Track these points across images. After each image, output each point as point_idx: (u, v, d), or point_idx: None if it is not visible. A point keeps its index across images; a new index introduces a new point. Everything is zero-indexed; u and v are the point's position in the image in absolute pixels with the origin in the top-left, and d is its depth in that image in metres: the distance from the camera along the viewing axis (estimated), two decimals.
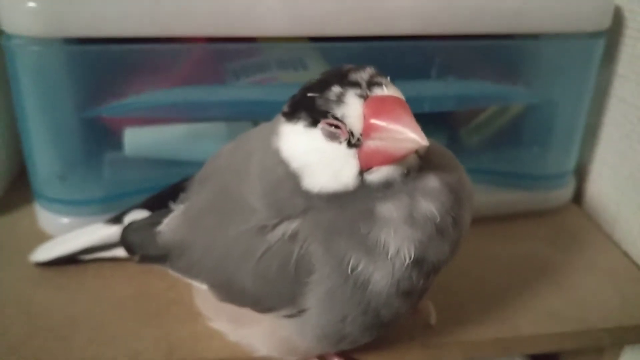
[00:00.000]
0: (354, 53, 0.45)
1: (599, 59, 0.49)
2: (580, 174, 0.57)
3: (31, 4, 0.39)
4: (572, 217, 0.54)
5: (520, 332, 0.40)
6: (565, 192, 0.54)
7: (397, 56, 0.45)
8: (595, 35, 0.48)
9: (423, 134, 0.26)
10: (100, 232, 0.43)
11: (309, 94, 0.29)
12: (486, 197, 0.51)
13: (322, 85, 0.29)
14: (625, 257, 0.49)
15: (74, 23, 0.40)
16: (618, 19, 0.50)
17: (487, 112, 0.53)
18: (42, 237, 0.46)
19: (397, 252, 0.29)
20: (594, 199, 0.55)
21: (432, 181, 0.30)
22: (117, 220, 0.42)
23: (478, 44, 0.46)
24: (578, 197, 0.57)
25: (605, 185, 0.54)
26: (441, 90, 0.47)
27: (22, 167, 0.55)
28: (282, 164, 0.30)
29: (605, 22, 0.47)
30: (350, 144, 0.28)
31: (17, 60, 0.42)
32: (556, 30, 0.47)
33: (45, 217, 0.47)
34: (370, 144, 0.28)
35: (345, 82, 0.28)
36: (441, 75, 0.46)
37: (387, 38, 0.44)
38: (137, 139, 0.47)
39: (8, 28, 0.41)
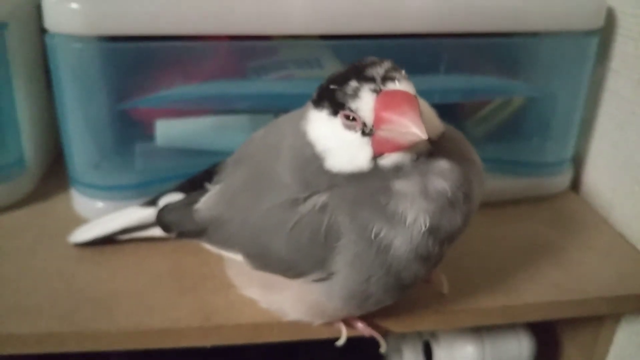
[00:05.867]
0: (367, 51, 0.48)
1: (594, 56, 0.53)
2: (577, 162, 0.60)
3: (74, 6, 0.42)
4: (570, 202, 0.58)
5: (525, 300, 0.43)
6: (563, 179, 0.58)
7: (407, 53, 0.49)
8: (589, 33, 0.52)
9: (424, 128, 0.29)
10: (136, 214, 0.46)
11: (331, 86, 0.33)
12: (490, 184, 0.54)
13: (342, 78, 0.32)
14: (620, 237, 0.52)
15: (112, 22, 0.43)
16: (611, 19, 0.54)
17: (490, 106, 0.56)
18: (78, 221, 0.49)
19: (414, 221, 0.32)
20: (590, 186, 0.59)
21: (443, 163, 0.34)
22: (152, 203, 0.46)
23: (482, 42, 0.50)
24: (575, 184, 0.61)
25: (601, 173, 0.57)
26: (449, 84, 0.51)
27: (57, 155, 0.59)
28: (309, 145, 0.34)
29: (599, 22, 0.51)
30: (364, 133, 0.32)
31: (59, 56, 0.45)
32: (554, 29, 0.50)
33: (81, 201, 0.51)
34: (380, 134, 0.31)
35: (362, 77, 0.32)
36: (449, 70, 0.50)
37: (398, 36, 0.47)
38: (167, 130, 0.51)
39: (52, 27, 0.45)
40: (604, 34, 0.54)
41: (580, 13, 0.50)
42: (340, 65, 0.50)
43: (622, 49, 0.54)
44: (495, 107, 0.56)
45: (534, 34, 0.51)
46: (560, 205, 0.57)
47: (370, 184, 0.33)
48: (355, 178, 0.33)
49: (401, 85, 0.31)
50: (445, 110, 0.38)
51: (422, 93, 0.32)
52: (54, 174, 0.57)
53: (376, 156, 0.32)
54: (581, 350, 0.52)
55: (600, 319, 0.49)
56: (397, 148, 0.32)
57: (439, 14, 0.47)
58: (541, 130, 0.56)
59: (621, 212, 0.54)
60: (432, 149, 0.34)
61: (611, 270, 0.47)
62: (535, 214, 0.55)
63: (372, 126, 0.31)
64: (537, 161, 0.56)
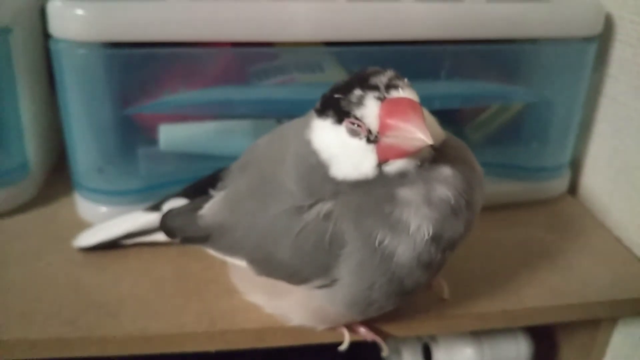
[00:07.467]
0: (368, 57, 0.49)
1: (592, 62, 0.54)
2: (575, 167, 0.61)
3: (78, 11, 0.43)
4: (568, 206, 0.59)
5: (524, 304, 0.44)
6: (561, 183, 0.59)
7: (409, 59, 0.49)
8: (588, 39, 0.52)
9: (429, 134, 0.30)
10: (140, 219, 0.46)
11: (336, 95, 0.33)
12: (490, 188, 0.54)
13: (347, 87, 0.33)
14: (617, 242, 0.53)
15: (116, 29, 0.44)
16: (609, 25, 0.55)
17: (490, 110, 0.57)
18: (82, 225, 0.50)
19: (418, 229, 0.33)
20: (588, 190, 0.60)
21: (446, 170, 0.34)
22: (156, 207, 0.46)
23: (482, 48, 0.51)
24: (573, 188, 0.61)
25: (598, 177, 0.58)
26: (449, 89, 0.51)
27: (60, 160, 0.59)
28: (314, 153, 0.35)
29: (597, 28, 0.52)
30: (369, 140, 0.33)
31: (63, 61, 0.46)
32: (553, 35, 0.51)
33: (84, 206, 0.51)
34: (385, 141, 0.32)
35: (366, 85, 0.32)
36: (449, 76, 0.51)
37: (399, 43, 0.48)
38: (171, 135, 0.51)
39: (56, 33, 0.45)
40: (602, 40, 0.55)
41: (579, 20, 0.51)
42: (342, 70, 0.50)
43: (620, 55, 0.55)
44: (494, 112, 0.57)
45: (533, 41, 0.52)
46: (557, 209, 0.58)
47: (375, 192, 0.34)
48: (359, 186, 0.34)
49: (405, 92, 0.32)
50: (445, 116, 0.38)
51: (423, 99, 0.33)
52: (58, 179, 0.58)
53: (381, 163, 0.33)
54: (578, 353, 0.52)
55: (597, 322, 0.50)
56: (402, 154, 0.32)
57: (440, 21, 0.47)
58: (539, 135, 0.56)
59: (618, 216, 0.54)
60: (435, 156, 0.34)
61: (608, 274, 0.48)
62: (533, 217, 0.56)
63: (377, 133, 0.32)
64: (536, 165, 0.57)
